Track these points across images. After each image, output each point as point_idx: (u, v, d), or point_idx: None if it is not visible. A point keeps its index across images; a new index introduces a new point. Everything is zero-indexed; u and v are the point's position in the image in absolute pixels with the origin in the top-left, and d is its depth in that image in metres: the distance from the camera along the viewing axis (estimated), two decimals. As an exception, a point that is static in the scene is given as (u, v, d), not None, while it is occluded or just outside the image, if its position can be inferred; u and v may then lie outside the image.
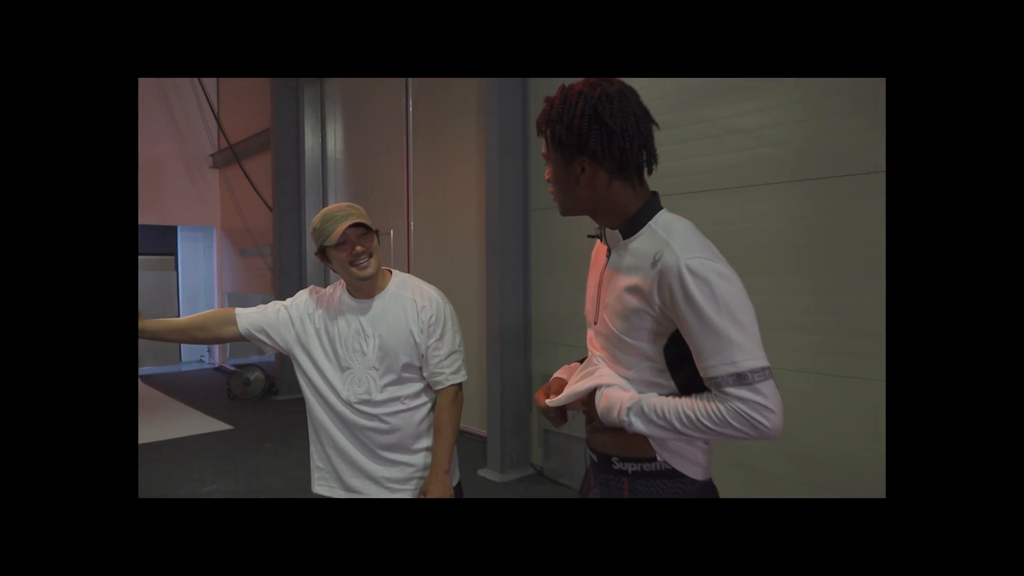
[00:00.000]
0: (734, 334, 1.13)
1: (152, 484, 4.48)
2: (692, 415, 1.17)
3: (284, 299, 2.04)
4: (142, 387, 8.15)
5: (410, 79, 6.01)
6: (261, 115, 7.98)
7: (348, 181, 7.19)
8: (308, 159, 7.46)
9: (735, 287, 1.17)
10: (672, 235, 1.21)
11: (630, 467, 1.30)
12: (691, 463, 1.29)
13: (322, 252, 1.89)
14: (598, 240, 1.41)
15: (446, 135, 5.57)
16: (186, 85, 9.04)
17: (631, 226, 1.28)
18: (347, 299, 1.94)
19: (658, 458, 1.28)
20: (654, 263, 1.19)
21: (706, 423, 1.16)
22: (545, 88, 4.44)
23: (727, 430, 1.15)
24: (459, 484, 2.00)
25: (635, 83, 3.50)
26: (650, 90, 3.65)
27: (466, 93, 5.28)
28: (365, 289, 1.91)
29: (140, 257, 9.40)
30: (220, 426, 6.18)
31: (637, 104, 1.26)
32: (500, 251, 4.50)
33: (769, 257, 3.15)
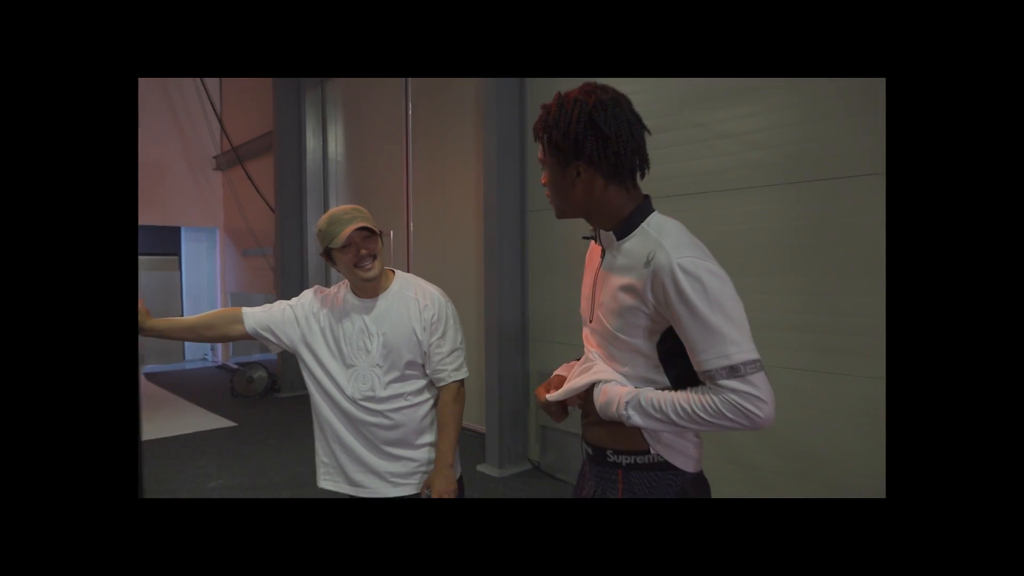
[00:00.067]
0: (726, 329, 1.16)
1: (158, 480, 4.48)
2: (688, 407, 1.19)
3: (286, 298, 2.05)
4: (147, 385, 8.14)
5: (409, 83, 6.01)
6: (263, 118, 7.97)
7: (349, 183, 7.19)
8: (309, 161, 7.47)
9: (725, 284, 1.19)
10: (664, 236, 1.24)
11: (624, 459, 1.32)
12: (683, 456, 1.32)
13: (327, 253, 1.90)
14: (592, 241, 1.43)
15: (445, 138, 5.58)
16: (190, 89, 9.02)
17: (625, 228, 1.30)
18: (351, 299, 1.95)
19: (651, 451, 1.31)
20: (647, 263, 1.22)
21: (701, 415, 1.18)
22: (542, 92, 4.46)
23: (722, 421, 1.17)
24: (460, 478, 2.02)
25: (629, 87, 3.53)
26: (644, 95, 3.67)
27: (464, 97, 5.29)
28: (369, 289, 1.92)
29: (144, 257, 9.38)
30: (224, 423, 6.18)
31: (630, 111, 1.29)
32: (498, 251, 4.51)
33: (762, 258, 3.17)
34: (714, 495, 1.38)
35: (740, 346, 1.16)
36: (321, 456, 2.01)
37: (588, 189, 1.28)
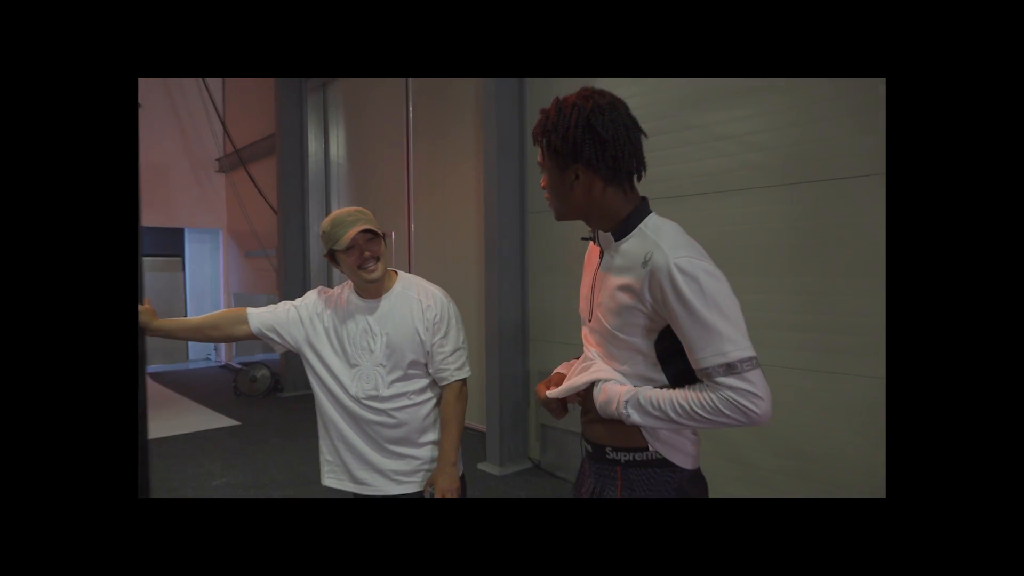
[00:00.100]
0: (723, 327, 1.17)
1: (163, 478, 4.48)
2: (686, 405, 1.20)
3: (288, 299, 2.06)
4: (151, 384, 8.14)
5: (410, 85, 6.02)
6: (266, 121, 7.98)
7: (350, 184, 7.20)
8: (312, 163, 7.48)
9: (721, 283, 1.20)
10: (661, 236, 1.25)
11: (623, 456, 1.33)
12: (681, 453, 1.33)
13: (331, 255, 1.91)
14: (591, 242, 1.44)
15: (445, 140, 5.58)
16: (193, 92, 9.03)
17: (622, 229, 1.31)
18: (355, 299, 1.96)
19: (649, 448, 1.32)
20: (645, 263, 1.23)
21: (699, 412, 1.19)
22: (541, 94, 4.47)
23: (719, 418, 1.18)
24: (463, 476, 2.03)
25: (628, 89, 3.50)
26: (643, 97, 3.68)
27: (464, 99, 5.30)
28: (372, 290, 1.93)
29: (148, 258, 9.39)
30: (227, 422, 6.19)
31: (627, 115, 1.30)
32: (498, 252, 4.52)
33: (762, 258, 3.18)
34: (714, 494, 1.38)
35: (737, 344, 1.17)
36: (325, 454, 2.02)
37: (587, 191, 1.30)
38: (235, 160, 8.64)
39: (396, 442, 1.94)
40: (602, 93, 1.29)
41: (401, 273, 2.02)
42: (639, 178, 1.33)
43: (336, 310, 1.97)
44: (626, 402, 1.27)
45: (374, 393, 1.91)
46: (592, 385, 1.35)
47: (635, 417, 1.26)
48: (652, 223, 1.30)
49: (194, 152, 9.42)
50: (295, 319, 1.98)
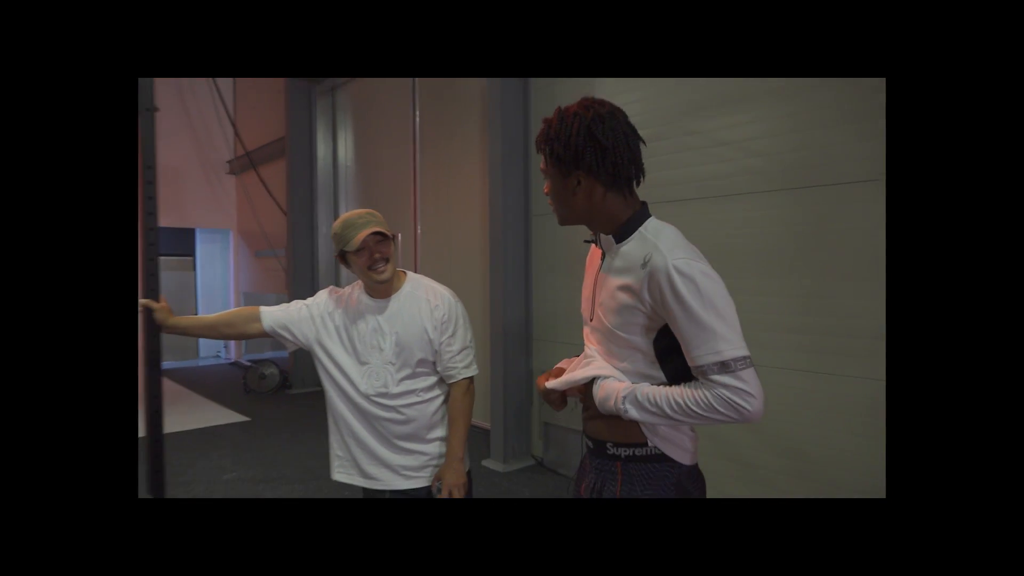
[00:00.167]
0: (718, 327, 1.19)
1: (175, 472, 4.50)
2: (681, 402, 1.22)
3: (297, 298, 2.08)
4: (163, 381, 8.15)
5: (417, 90, 6.04)
6: (276, 124, 8.00)
7: (358, 186, 7.22)
8: (320, 166, 7.50)
9: (718, 285, 1.22)
10: (660, 239, 1.27)
11: (623, 452, 1.35)
12: (679, 448, 1.35)
13: (342, 256, 1.92)
14: (593, 245, 1.46)
15: (451, 143, 5.60)
16: (205, 95, 9.05)
17: (623, 232, 1.33)
18: (365, 299, 1.97)
19: (649, 443, 1.34)
20: (644, 264, 1.25)
21: (694, 409, 1.21)
22: (546, 99, 4.48)
23: (713, 415, 1.20)
24: (469, 472, 2.03)
25: (631, 95, 3.51)
26: (645, 103, 3.69)
27: (470, 104, 5.31)
28: (382, 290, 1.94)
29: (161, 258, 9.41)
30: (238, 418, 6.20)
31: (626, 123, 1.32)
32: (503, 253, 4.53)
33: (762, 262, 3.18)
34: (715, 493, 1.39)
35: (731, 343, 1.19)
36: (335, 449, 2.03)
37: (588, 197, 1.32)
38: (245, 162, 8.67)
39: (405, 438, 1.95)
40: (602, 103, 1.32)
41: (410, 273, 2.03)
42: (638, 183, 1.36)
43: (347, 309, 1.98)
44: (624, 398, 1.29)
45: (383, 390, 1.92)
46: (592, 382, 1.37)
47: (632, 413, 1.28)
48: (652, 226, 1.32)
49: (206, 154, 9.46)
50: (306, 317, 2.00)
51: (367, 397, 1.93)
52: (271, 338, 2.03)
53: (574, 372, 1.42)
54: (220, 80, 8.68)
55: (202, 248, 10.48)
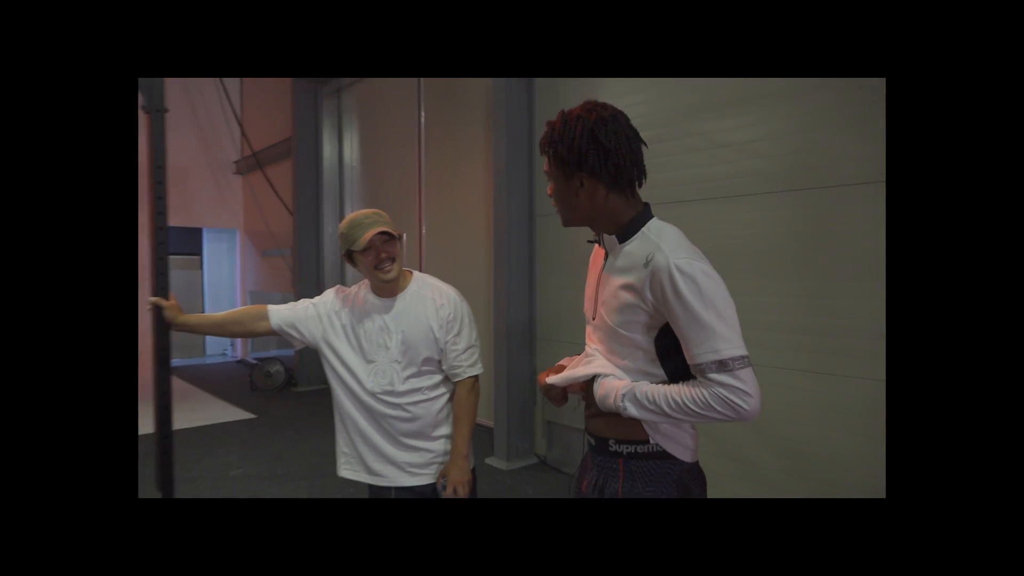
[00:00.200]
0: (717, 326, 1.20)
1: (183, 468, 4.52)
2: (679, 400, 1.23)
3: (302, 297, 2.09)
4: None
5: (422, 92, 6.05)
6: (282, 125, 8.02)
7: (364, 187, 7.23)
8: (326, 166, 7.52)
9: (718, 284, 1.23)
10: (662, 239, 1.28)
11: (625, 449, 1.36)
12: (681, 446, 1.36)
13: (349, 255, 1.93)
14: (596, 245, 1.48)
15: (456, 144, 5.60)
16: (213, 96, 9.08)
17: (626, 232, 1.34)
18: (371, 298, 1.98)
19: (651, 441, 1.34)
20: (646, 263, 1.26)
21: (691, 407, 1.22)
22: (550, 101, 4.48)
23: (710, 413, 1.21)
24: (474, 469, 2.04)
25: (635, 97, 3.51)
26: (648, 105, 3.69)
27: (474, 104, 5.32)
28: (388, 289, 1.95)
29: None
30: (244, 415, 6.22)
31: (628, 126, 1.34)
32: (507, 254, 4.53)
33: (764, 263, 3.19)
34: (716, 492, 1.40)
35: (730, 342, 1.20)
36: (342, 446, 2.04)
37: (591, 198, 1.33)
38: (252, 162, 8.69)
39: (410, 435, 1.96)
40: (605, 106, 1.33)
41: (416, 273, 2.04)
42: (640, 185, 1.37)
43: (353, 308, 1.99)
44: (623, 395, 1.30)
45: (389, 388, 1.93)
46: (593, 380, 1.38)
47: (631, 410, 1.29)
48: (654, 227, 1.33)
49: (213, 155, 9.49)
50: (313, 316, 2.00)
51: (373, 395, 1.94)
52: (278, 336, 2.04)
53: (575, 369, 1.44)
54: (227, 81, 8.71)
55: (209, 247, 10.51)
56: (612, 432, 1.38)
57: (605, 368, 1.37)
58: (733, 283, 1.25)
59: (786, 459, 3.11)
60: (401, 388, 1.93)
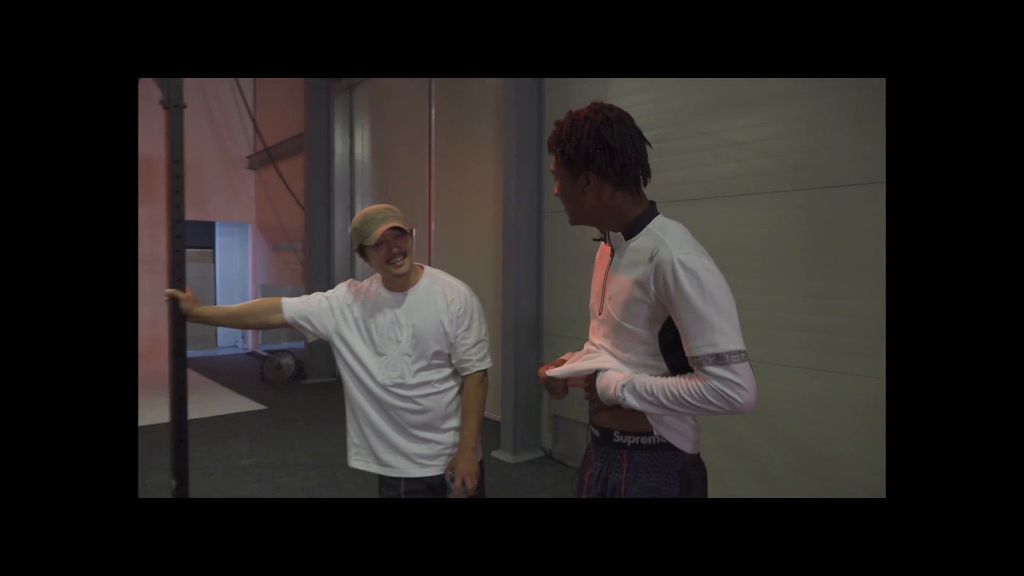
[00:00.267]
0: (716, 320, 1.22)
1: (194, 457, 4.54)
2: (676, 392, 1.26)
3: (313, 290, 2.11)
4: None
5: (433, 90, 6.05)
6: (295, 121, 8.05)
7: (374, 182, 7.25)
8: (338, 162, 7.54)
9: (719, 280, 1.25)
10: (667, 235, 1.31)
11: (629, 440, 1.39)
12: (683, 437, 1.38)
13: (361, 250, 1.94)
14: (602, 243, 1.50)
15: (466, 141, 5.61)
16: (227, 93, 9.12)
17: (632, 229, 1.37)
18: (383, 292, 1.99)
19: (655, 432, 1.37)
20: (651, 258, 1.29)
21: (687, 398, 1.24)
22: (560, 97, 4.48)
23: (705, 405, 1.23)
24: (482, 462, 2.06)
25: (645, 95, 3.49)
26: (658, 104, 3.69)
27: (485, 102, 5.32)
28: (400, 284, 1.96)
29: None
30: (254, 406, 6.27)
31: (633, 127, 1.37)
32: (515, 250, 4.54)
33: (768, 261, 3.18)
34: (720, 487, 1.40)
35: (727, 336, 1.21)
36: (352, 438, 2.06)
37: (597, 196, 1.36)
38: (265, 158, 8.73)
39: (420, 427, 1.97)
40: (611, 107, 1.36)
41: (427, 268, 2.05)
42: (645, 184, 1.40)
43: (365, 302, 2.01)
44: (622, 386, 1.32)
45: (400, 381, 1.95)
46: (595, 375, 1.41)
47: (631, 401, 1.31)
48: (659, 223, 1.36)
49: (226, 150, 9.54)
50: (326, 309, 2.02)
51: (384, 387, 1.96)
52: (289, 329, 2.06)
53: (577, 363, 1.46)
54: (241, 78, 8.74)
55: (221, 241, 10.56)
56: (616, 424, 1.40)
57: (607, 363, 1.39)
58: (739, 281, 1.26)
59: (791, 455, 3.11)
60: (411, 381, 1.95)
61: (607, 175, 1.33)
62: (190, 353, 9.51)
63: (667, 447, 1.37)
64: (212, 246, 10.56)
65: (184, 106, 2.11)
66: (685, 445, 1.38)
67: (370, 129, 7.29)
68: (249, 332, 9.93)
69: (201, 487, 4.01)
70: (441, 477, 1.99)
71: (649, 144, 1.39)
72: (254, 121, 8.88)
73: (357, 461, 2.05)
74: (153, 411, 5.50)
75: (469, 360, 1.97)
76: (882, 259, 2.69)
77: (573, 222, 1.45)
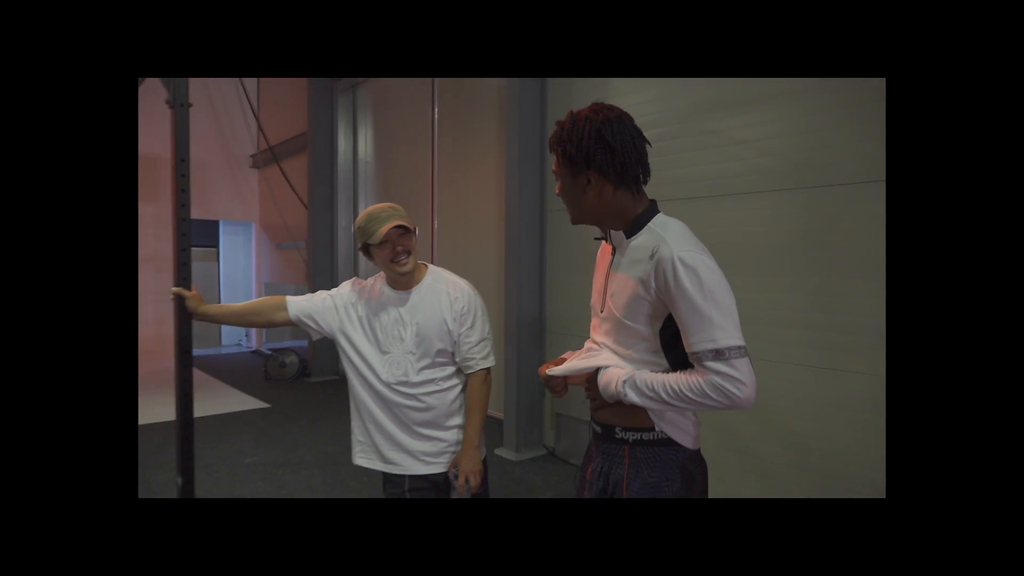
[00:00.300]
0: (716, 316, 1.23)
1: (199, 455, 4.55)
2: (676, 387, 1.27)
3: (316, 289, 2.12)
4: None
5: (436, 89, 6.06)
6: (298, 120, 8.06)
7: (377, 181, 7.26)
8: (341, 161, 7.56)
9: (719, 277, 1.27)
10: (668, 232, 1.32)
11: (631, 436, 1.40)
12: (684, 433, 1.40)
13: (365, 249, 1.95)
14: (603, 242, 1.52)
15: (469, 140, 5.61)
16: (231, 92, 9.14)
17: (633, 227, 1.38)
18: (387, 291, 2.00)
19: (656, 428, 1.38)
20: (652, 255, 1.30)
21: (687, 393, 1.25)
22: (562, 100, 4.48)
23: (705, 400, 1.24)
24: (485, 459, 2.06)
25: (648, 94, 3.49)
26: (661, 102, 3.69)
27: (488, 101, 5.32)
28: (404, 282, 1.97)
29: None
30: (258, 404, 6.28)
31: (633, 127, 1.38)
32: (518, 249, 4.55)
33: (771, 259, 3.18)
34: (722, 483, 1.41)
35: (727, 332, 1.23)
36: (357, 435, 2.06)
37: (599, 195, 1.38)
38: (268, 157, 8.74)
39: (424, 425, 1.98)
40: (611, 108, 1.38)
41: (431, 266, 2.06)
42: (645, 182, 1.41)
43: (369, 300, 2.01)
44: (624, 382, 1.34)
45: (404, 379, 1.95)
46: (597, 373, 1.42)
47: (631, 396, 1.32)
48: (660, 221, 1.37)
49: (230, 149, 9.56)
50: (330, 307, 2.03)
51: (388, 385, 1.96)
52: (292, 327, 2.06)
53: (578, 361, 1.48)
54: (245, 77, 8.75)
55: (225, 239, 10.58)
56: (618, 420, 1.41)
57: (608, 360, 1.41)
58: (741, 279, 1.26)
59: (791, 452, 3.11)
60: (415, 379, 1.95)
61: (608, 174, 1.34)
62: (194, 351, 9.57)
63: (668, 443, 1.38)
64: (216, 245, 10.58)
65: (190, 105, 2.11)
66: (686, 441, 1.39)
67: (373, 128, 7.30)
68: (253, 331, 9.95)
69: (206, 484, 4.02)
70: (445, 474, 1.99)
71: (649, 143, 1.41)
72: (258, 120, 8.90)
73: (361, 458, 2.06)
74: (158, 409, 5.54)
75: (472, 358, 1.98)
76: (883, 257, 2.69)
77: (575, 221, 1.46)
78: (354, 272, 7.36)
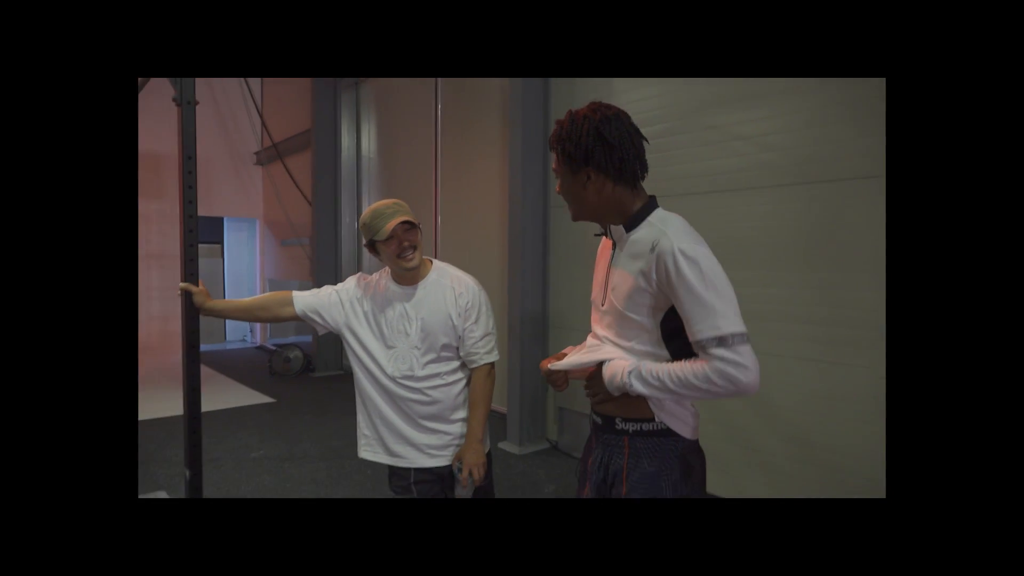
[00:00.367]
0: (717, 305, 1.25)
1: (205, 449, 4.57)
2: (681, 375, 1.28)
3: (321, 284, 2.12)
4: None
5: (439, 86, 6.05)
6: (302, 117, 8.07)
7: (381, 178, 7.26)
8: (345, 158, 7.56)
9: (718, 267, 1.29)
10: (667, 226, 1.34)
11: (631, 427, 1.42)
12: (683, 423, 1.42)
13: (371, 245, 1.95)
14: (603, 238, 1.54)
15: (472, 138, 5.61)
16: (235, 90, 9.14)
17: (633, 221, 1.41)
18: (393, 286, 2.01)
19: (656, 419, 1.40)
20: (652, 248, 1.32)
21: (693, 381, 1.26)
22: (565, 95, 4.47)
23: (711, 386, 1.25)
24: (489, 453, 2.07)
25: (651, 90, 3.50)
26: (664, 98, 3.68)
27: (491, 98, 5.32)
28: (409, 277, 1.97)
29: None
30: (263, 399, 6.30)
31: (630, 124, 1.41)
32: (521, 245, 4.55)
33: (773, 254, 3.18)
34: (725, 476, 1.42)
35: (729, 320, 1.24)
36: (363, 429, 2.07)
37: (598, 191, 1.40)
38: (272, 154, 8.74)
39: (429, 418, 1.99)
40: (608, 106, 1.40)
41: (436, 262, 2.07)
42: (642, 178, 1.43)
43: (375, 296, 2.02)
44: (629, 372, 1.35)
45: (409, 373, 1.96)
46: (599, 367, 1.43)
47: (637, 386, 1.34)
48: (659, 215, 1.40)
49: (234, 146, 9.57)
50: (336, 303, 2.04)
51: (394, 379, 1.97)
52: (297, 322, 2.07)
53: (580, 356, 1.49)
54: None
55: (230, 236, 10.60)
56: (619, 411, 1.43)
57: (610, 354, 1.42)
58: (744, 274, 1.27)
59: (794, 446, 3.12)
60: (420, 373, 1.96)
61: (607, 170, 1.37)
62: (200, 347, 9.62)
63: (667, 433, 1.40)
64: (221, 241, 10.60)
65: (197, 103, 2.12)
66: (685, 431, 1.41)
67: (376, 125, 7.29)
68: (257, 326, 9.97)
69: (212, 478, 4.04)
70: (450, 467, 2.00)
71: (646, 140, 1.43)
72: (262, 117, 8.90)
73: (367, 452, 2.07)
74: (164, 404, 5.56)
75: (477, 353, 1.99)
76: (885, 252, 2.69)
77: (575, 218, 1.48)
78: (358, 268, 7.38)
